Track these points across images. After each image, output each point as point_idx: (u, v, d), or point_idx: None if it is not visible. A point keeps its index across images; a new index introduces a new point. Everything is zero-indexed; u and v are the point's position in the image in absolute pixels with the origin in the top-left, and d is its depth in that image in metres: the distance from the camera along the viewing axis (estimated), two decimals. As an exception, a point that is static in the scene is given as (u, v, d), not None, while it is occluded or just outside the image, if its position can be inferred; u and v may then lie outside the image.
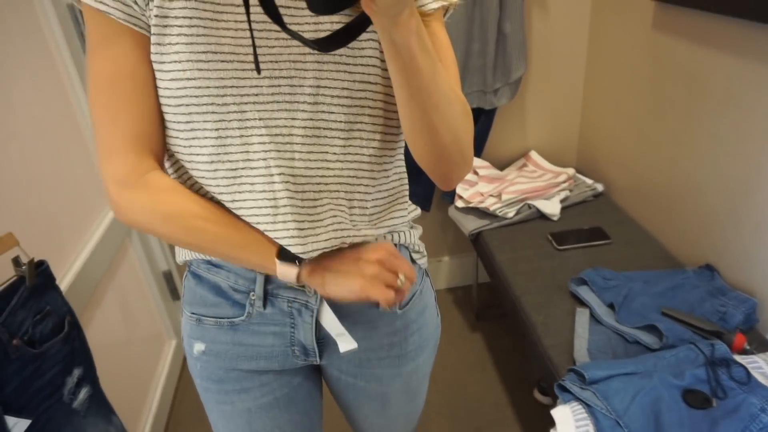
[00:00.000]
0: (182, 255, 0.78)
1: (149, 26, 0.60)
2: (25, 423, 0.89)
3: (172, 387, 1.90)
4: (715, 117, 1.36)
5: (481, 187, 1.89)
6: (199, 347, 0.79)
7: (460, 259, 2.32)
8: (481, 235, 1.79)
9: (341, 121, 0.65)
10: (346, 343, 0.74)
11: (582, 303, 1.40)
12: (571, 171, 1.96)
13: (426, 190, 2.02)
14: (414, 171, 1.93)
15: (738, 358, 1.12)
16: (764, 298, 1.28)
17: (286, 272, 0.67)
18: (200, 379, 0.83)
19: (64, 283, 1.23)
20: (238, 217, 0.67)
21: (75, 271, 1.29)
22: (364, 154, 0.69)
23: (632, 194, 1.79)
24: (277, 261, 0.67)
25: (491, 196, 1.85)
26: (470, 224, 1.82)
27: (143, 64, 0.61)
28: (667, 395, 1.02)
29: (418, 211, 0.84)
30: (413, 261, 0.84)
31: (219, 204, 0.68)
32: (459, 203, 1.89)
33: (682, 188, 1.53)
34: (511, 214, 1.79)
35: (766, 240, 1.25)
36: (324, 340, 0.80)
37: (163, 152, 0.68)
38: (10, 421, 0.87)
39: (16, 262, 0.95)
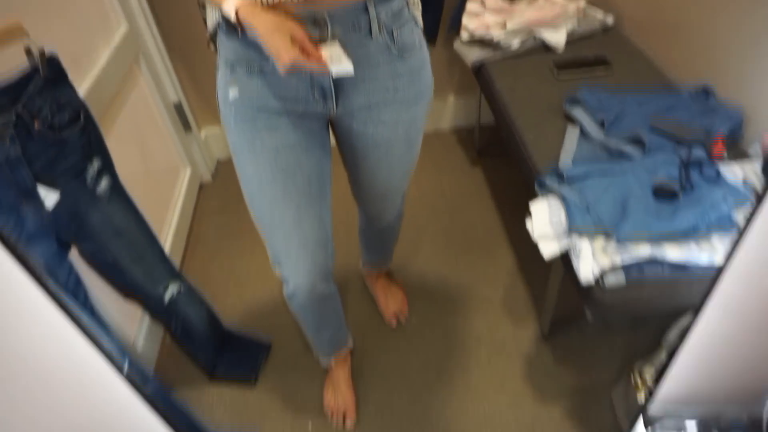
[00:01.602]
0: (212, 18, 0.90)
1: None
2: (55, 194, 1.00)
3: (190, 209, 2.04)
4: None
5: (487, 18, 1.84)
6: (233, 92, 0.94)
7: (465, 100, 2.33)
8: (484, 66, 1.79)
9: None
10: (343, 66, 0.82)
11: (575, 123, 1.44)
12: (581, 2, 1.89)
13: (431, 23, 1.98)
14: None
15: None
16: (752, 114, 1.31)
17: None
18: (234, 123, 0.96)
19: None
20: None
21: (84, 89, 1.34)
22: None
23: (641, 26, 1.74)
24: None
25: (496, 25, 1.82)
26: (473, 55, 1.81)
27: None
28: (638, 188, 1.10)
29: None
30: (411, 14, 0.94)
31: None
32: (464, 35, 1.87)
33: (691, 10, 1.49)
34: (515, 45, 1.77)
35: (761, 54, 1.25)
36: (339, 85, 0.92)
37: None
38: (42, 191, 0.98)
39: (28, 52, 1.01)
